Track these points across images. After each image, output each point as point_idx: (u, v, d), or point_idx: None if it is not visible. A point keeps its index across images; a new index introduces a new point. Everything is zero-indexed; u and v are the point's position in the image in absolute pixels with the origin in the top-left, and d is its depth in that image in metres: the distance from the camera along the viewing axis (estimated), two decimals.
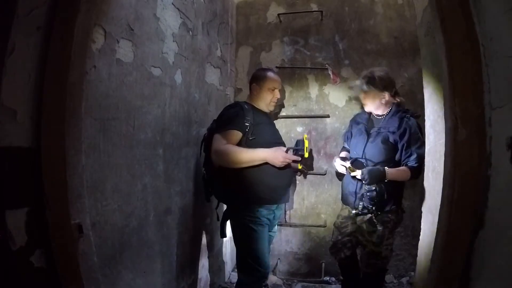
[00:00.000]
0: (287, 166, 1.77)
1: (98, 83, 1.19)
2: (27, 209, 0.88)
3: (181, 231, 1.87)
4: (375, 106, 1.96)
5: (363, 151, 1.93)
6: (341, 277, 2.24)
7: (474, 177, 0.87)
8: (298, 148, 1.79)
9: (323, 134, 2.69)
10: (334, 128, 2.67)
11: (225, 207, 1.94)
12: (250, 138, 1.77)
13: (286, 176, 1.84)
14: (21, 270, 0.87)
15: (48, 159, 0.92)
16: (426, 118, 1.44)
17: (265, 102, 1.97)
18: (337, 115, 2.67)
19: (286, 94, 2.77)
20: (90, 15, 1.04)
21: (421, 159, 1.74)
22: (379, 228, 1.83)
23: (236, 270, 1.91)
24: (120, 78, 1.32)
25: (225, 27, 2.62)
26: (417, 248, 1.49)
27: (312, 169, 2.66)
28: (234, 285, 1.95)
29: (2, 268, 0.82)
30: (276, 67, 2.75)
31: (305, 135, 1.82)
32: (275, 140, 1.90)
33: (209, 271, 2.32)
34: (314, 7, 2.75)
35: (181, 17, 1.83)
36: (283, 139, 2.04)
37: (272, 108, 2.03)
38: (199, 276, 2.16)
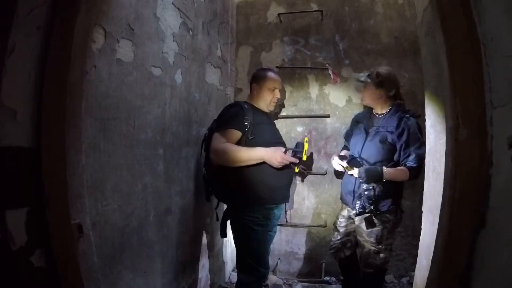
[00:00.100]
0: (285, 167, 1.77)
1: (98, 83, 1.19)
2: (27, 209, 0.88)
3: (181, 231, 1.87)
4: (372, 102, 1.97)
5: (361, 150, 1.93)
6: (341, 277, 2.24)
7: (475, 176, 0.86)
8: (297, 150, 1.78)
9: (323, 134, 2.69)
10: (335, 128, 2.67)
11: (225, 207, 1.94)
12: (250, 138, 1.77)
13: (286, 176, 1.84)
14: (21, 270, 0.86)
15: (48, 159, 0.92)
16: (426, 117, 1.44)
17: (266, 102, 1.97)
18: (338, 115, 2.67)
19: (287, 94, 2.77)
20: (90, 15, 1.04)
21: (420, 160, 1.74)
22: (377, 228, 1.83)
23: (236, 270, 1.91)
24: (120, 78, 1.32)
25: (225, 27, 2.62)
26: (417, 248, 1.49)
27: (311, 170, 2.65)
28: (234, 285, 1.95)
29: (2, 268, 0.82)
30: (277, 67, 2.75)
31: (306, 138, 1.81)
32: (275, 140, 1.90)
33: (209, 271, 2.32)
34: (314, 7, 2.75)
35: (181, 17, 1.83)
36: (284, 139, 2.04)
37: (272, 108, 2.03)
38: (199, 276, 2.16)
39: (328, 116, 2.67)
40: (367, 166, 1.82)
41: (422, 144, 1.76)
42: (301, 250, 2.73)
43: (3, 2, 0.83)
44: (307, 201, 2.71)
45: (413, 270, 1.73)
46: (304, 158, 1.74)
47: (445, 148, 1.00)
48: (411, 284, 2.30)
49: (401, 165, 1.81)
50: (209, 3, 2.27)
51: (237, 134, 1.76)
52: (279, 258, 2.75)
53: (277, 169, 1.74)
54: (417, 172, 1.78)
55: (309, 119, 2.72)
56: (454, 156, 0.92)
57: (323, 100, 2.71)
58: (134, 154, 1.43)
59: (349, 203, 1.95)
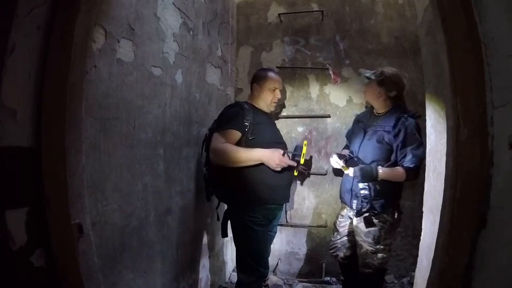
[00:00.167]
0: (284, 169, 1.76)
1: (98, 82, 1.19)
2: (27, 209, 0.88)
3: (181, 231, 1.87)
4: (372, 99, 1.98)
5: (359, 149, 1.94)
6: (342, 277, 2.24)
7: (476, 176, 0.86)
8: (295, 153, 1.78)
9: (323, 134, 2.69)
10: (335, 128, 2.67)
11: (226, 206, 1.94)
12: (250, 138, 1.77)
13: (286, 176, 1.84)
14: (21, 270, 0.86)
15: (48, 159, 0.92)
16: (427, 117, 1.44)
17: (266, 102, 1.97)
18: (338, 115, 2.67)
19: (287, 94, 2.77)
20: (90, 14, 1.04)
21: (418, 160, 1.73)
22: (375, 228, 1.83)
23: (236, 270, 1.91)
24: (120, 78, 1.32)
25: (225, 27, 2.62)
26: (417, 248, 1.49)
27: (310, 170, 2.65)
28: (235, 285, 1.95)
29: (2, 268, 0.82)
30: (277, 67, 2.75)
31: (305, 142, 1.81)
32: (276, 140, 1.90)
33: (210, 271, 2.32)
34: (314, 7, 2.74)
35: (181, 17, 1.83)
36: (284, 139, 2.04)
37: (273, 108, 2.03)
38: (200, 276, 2.16)
39: (329, 116, 2.67)
40: (362, 165, 1.83)
41: (420, 144, 1.75)
42: (302, 250, 2.73)
43: (3, 2, 0.83)
44: (307, 201, 2.71)
45: (414, 270, 1.72)
46: (302, 161, 1.74)
47: (445, 148, 1.00)
48: (412, 284, 2.30)
49: (399, 166, 1.80)
50: (209, 3, 2.27)
51: (237, 134, 1.76)
52: (279, 258, 2.75)
53: (276, 171, 1.74)
54: (415, 173, 1.77)
55: (309, 119, 2.72)
56: (454, 156, 0.92)
57: (324, 100, 2.71)
58: (134, 154, 1.43)
59: (347, 202, 1.96)
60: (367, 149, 1.89)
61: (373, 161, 1.85)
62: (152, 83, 1.56)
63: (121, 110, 1.33)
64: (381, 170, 1.77)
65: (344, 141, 2.38)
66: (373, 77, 1.92)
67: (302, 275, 2.71)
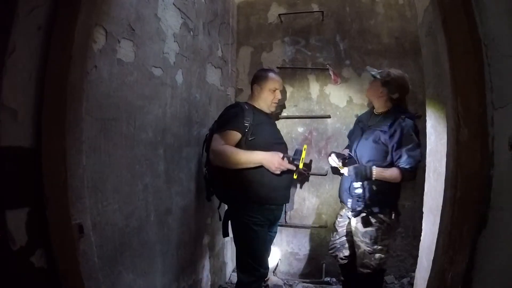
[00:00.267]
0: (283, 172, 1.76)
1: (99, 83, 1.19)
2: (28, 209, 0.88)
3: (181, 231, 1.87)
4: (373, 97, 1.99)
5: (356, 148, 1.95)
6: (342, 278, 2.23)
7: (476, 177, 0.86)
8: (295, 157, 1.77)
9: (324, 134, 2.69)
10: (335, 128, 2.66)
11: (227, 206, 1.94)
12: (250, 139, 1.78)
13: (286, 177, 1.84)
14: (22, 270, 0.86)
15: (48, 159, 0.92)
16: (427, 118, 1.44)
17: (266, 102, 1.97)
18: (338, 115, 2.67)
19: (287, 95, 2.77)
20: (91, 15, 1.04)
21: (413, 161, 1.73)
22: (372, 228, 1.83)
23: (236, 270, 1.91)
24: (121, 78, 1.32)
25: (226, 27, 2.62)
26: (417, 249, 1.49)
27: (310, 170, 2.65)
28: (235, 285, 1.95)
29: (2, 268, 0.82)
30: (277, 67, 2.75)
31: (305, 146, 1.81)
32: (276, 141, 1.90)
33: (210, 272, 2.32)
34: (315, 7, 2.74)
35: (182, 17, 1.83)
36: (284, 139, 2.04)
37: (273, 109, 2.03)
38: (200, 277, 2.16)
39: (329, 116, 2.67)
40: (356, 164, 1.83)
41: (417, 146, 1.75)
42: (302, 250, 2.73)
43: (3, 2, 0.83)
44: (307, 201, 2.70)
45: (414, 271, 1.72)
46: (301, 166, 1.74)
47: (446, 149, 1.00)
48: (412, 284, 2.30)
49: (395, 166, 1.80)
50: (209, 3, 2.27)
51: (236, 135, 1.76)
52: (279, 259, 2.75)
53: (275, 174, 1.74)
54: (411, 174, 1.77)
55: (309, 119, 2.72)
56: (455, 156, 0.92)
57: (324, 100, 2.71)
58: (134, 154, 1.43)
59: (345, 201, 1.97)
60: (363, 149, 1.90)
61: (369, 161, 1.85)
62: (152, 83, 1.56)
63: (122, 110, 1.33)
64: (375, 170, 1.77)
65: (344, 141, 2.38)
66: (378, 77, 1.92)
67: (302, 275, 2.71)
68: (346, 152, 2.11)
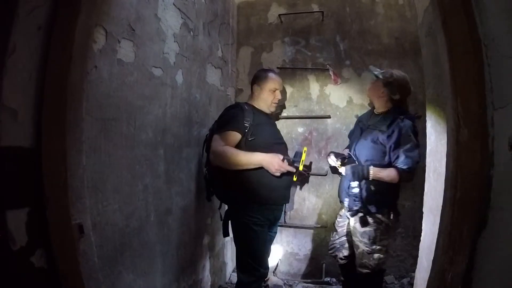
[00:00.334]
0: (283, 174, 1.76)
1: (99, 83, 1.19)
2: (28, 209, 0.88)
3: (181, 231, 1.87)
4: (374, 97, 1.99)
5: (355, 148, 1.95)
6: (341, 278, 2.23)
7: (476, 177, 0.86)
8: (295, 159, 1.77)
9: (324, 134, 2.69)
10: (335, 128, 2.66)
11: (227, 207, 1.94)
12: (250, 139, 1.78)
13: (286, 177, 1.84)
14: (22, 270, 0.86)
15: (48, 159, 0.92)
16: (427, 118, 1.44)
17: (266, 103, 1.97)
18: (338, 115, 2.67)
19: (287, 95, 2.77)
20: (91, 15, 1.04)
21: (411, 162, 1.73)
22: (370, 228, 1.83)
23: (236, 270, 1.91)
24: (121, 78, 1.32)
25: (226, 28, 2.63)
26: (417, 249, 1.49)
27: (310, 171, 2.64)
28: (235, 285, 1.95)
29: (2, 268, 0.82)
30: (277, 67, 2.75)
31: (305, 148, 1.80)
32: (276, 141, 1.90)
33: (210, 272, 2.32)
34: (315, 7, 2.74)
35: (182, 18, 1.84)
36: (284, 139, 2.04)
37: (273, 109, 2.03)
38: (200, 277, 2.16)
39: (329, 116, 2.67)
40: (353, 164, 1.83)
41: (415, 146, 1.75)
42: (302, 250, 2.72)
43: (4, 2, 0.83)
44: (307, 201, 2.70)
45: (414, 271, 1.72)
46: (300, 168, 1.74)
47: (446, 149, 1.00)
48: (412, 285, 2.30)
49: (393, 167, 1.80)
50: (209, 3, 2.27)
51: (236, 135, 1.76)
52: (279, 259, 2.75)
53: (275, 177, 1.74)
54: (409, 174, 1.77)
55: (309, 119, 2.72)
56: (455, 156, 0.92)
57: (324, 100, 2.71)
58: (134, 155, 1.43)
59: (343, 201, 1.97)
60: (362, 149, 1.90)
61: (367, 161, 1.85)
62: (152, 83, 1.56)
63: (122, 110, 1.33)
64: (372, 169, 1.77)
65: (344, 142, 2.38)
66: (380, 77, 1.92)
67: (302, 275, 2.71)
68: (346, 152, 2.11)
